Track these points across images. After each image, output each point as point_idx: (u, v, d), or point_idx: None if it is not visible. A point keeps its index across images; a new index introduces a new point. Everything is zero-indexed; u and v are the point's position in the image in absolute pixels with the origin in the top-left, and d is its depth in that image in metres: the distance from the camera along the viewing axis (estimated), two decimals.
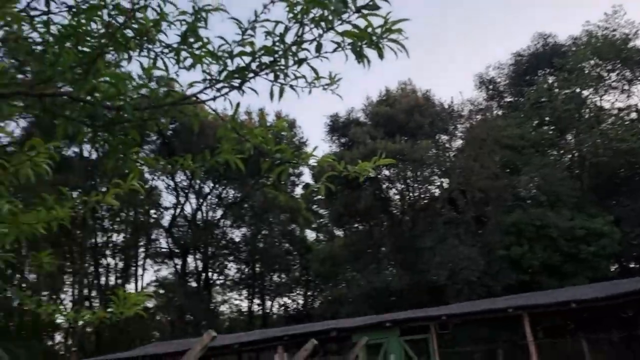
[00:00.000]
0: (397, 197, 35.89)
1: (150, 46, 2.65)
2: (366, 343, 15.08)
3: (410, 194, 35.21)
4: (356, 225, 37.08)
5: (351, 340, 17.93)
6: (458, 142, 35.56)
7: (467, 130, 34.18)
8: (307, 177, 42.79)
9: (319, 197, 38.97)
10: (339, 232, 40.56)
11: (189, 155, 2.71)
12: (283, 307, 43.17)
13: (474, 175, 29.57)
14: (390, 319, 17.66)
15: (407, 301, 27.39)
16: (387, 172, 33.15)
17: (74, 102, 2.34)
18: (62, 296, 37.27)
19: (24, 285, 37.01)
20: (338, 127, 36.81)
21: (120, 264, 40.13)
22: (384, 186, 34.72)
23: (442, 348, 17.74)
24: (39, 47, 2.66)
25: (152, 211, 40.00)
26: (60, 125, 2.33)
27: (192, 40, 2.63)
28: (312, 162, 2.95)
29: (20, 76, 2.69)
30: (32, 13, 2.67)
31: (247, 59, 2.40)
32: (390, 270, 33.04)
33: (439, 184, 34.54)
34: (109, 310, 3.42)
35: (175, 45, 2.64)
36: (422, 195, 35.15)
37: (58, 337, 38.84)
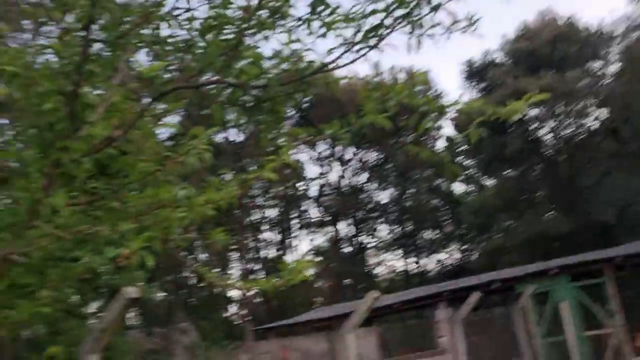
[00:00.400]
0: (549, 136, 33.44)
1: (283, 22, 2.72)
2: (533, 292, 14.49)
3: (564, 131, 32.59)
4: (506, 171, 35.34)
5: (515, 291, 17.32)
6: (614, 67, 31.95)
7: (625, 50, 30.51)
8: (447, 129, 41.57)
9: (464, 147, 37.67)
10: (488, 181, 39.00)
11: (336, 122, 2.76)
12: (439, 263, 42.90)
13: (639, 99, 26.45)
14: (557, 265, 16.67)
15: (572, 245, 25.65)
16: (534, 112, 30.96)
17: (225, 88, 2.49)
18: (231, 271, 40.76)
19: (197, 264, 41.03)
20: (474, 72, 35.08)
21: (277, 237, 42.67)
22: (533, 127, 32.52)
23: (619, 292, 16.40)
24: (184, 44, 2.85)
25: (299, 184, 41.74)
26: (217, 111, 2.49)
27: (321, 8, 2.64)
28: (459, 108, 2.84)
29: (166, 76, 2.92)
30: (175, 12, 2.87)
31: (380, 16, 2.35)
32: (549, 215, 31.13)
33: (596, 115, 31.52)
34: (278, 278, 3.67)
35: (306, 17, 2.67)
36: (578, 131, 32.34)
37: (232, 309, 42.72)
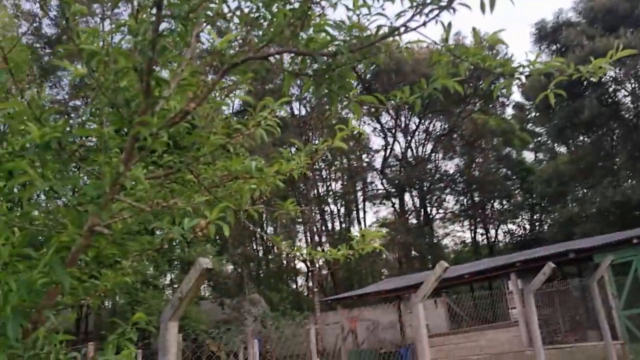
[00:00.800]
0: (629, 99, 31.46)
1: None
2: (611, 263, 13.86)
3: None
4: (581, 138, 33.68)
5: (592, 261, 16.65)
6: None
7: None
8: (516, 96, 40.01)
9: (534, 114, 36.19)
10: (561, 149, 37.40)
11: (407, 88, 2.68)
12: (508, 234, 41.85)
13: None
14: (639, 235, 15.85)
15: None
16: (612, 73, 29.15)
17: (294, 58, 2.48)
18: (297, 244, 41.46)
19: (267, 235, 42.06)
20: (546, 34, 33.34)
21: (342, 210, 42.91)
22: (611, 89, 30.66)
23: None
24: (250, 16, 2.85)
25: (364, 156, 41.56)
26: (286, 80, 2.49)
27: None
28: (536, 69, 2.69)
29: (232, 52, 2.93)
30: None
31: None
32: (629, 182, 29.47)
33: None
34: (349, 248, 3.68)
35: None
36: None
37: (300, 281, 43.66)
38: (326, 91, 2.63)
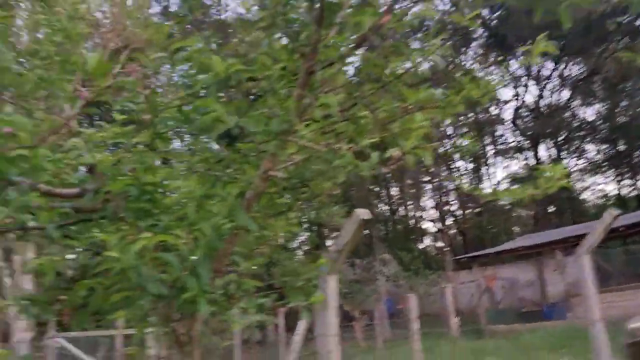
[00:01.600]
0: None
1: None
2: None
3: None
4: None
5: None
6: None
7: None
8: None
9: None
10: None
11: None
12: None
13: None
14: None
15: None
16: None
17: None
18: (425, 202, 40.84)
19: (390, 199, 42.01)
20: None
21: (470, 166, 41.32)
22: None
23: None
24: None
25: (492, 108, 39.37)
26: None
27: None
28: None
29: None
30: None
31: None
32: None
33: None
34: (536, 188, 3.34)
35: None
36: None
37: (426, 241, 43.16)
38: None
